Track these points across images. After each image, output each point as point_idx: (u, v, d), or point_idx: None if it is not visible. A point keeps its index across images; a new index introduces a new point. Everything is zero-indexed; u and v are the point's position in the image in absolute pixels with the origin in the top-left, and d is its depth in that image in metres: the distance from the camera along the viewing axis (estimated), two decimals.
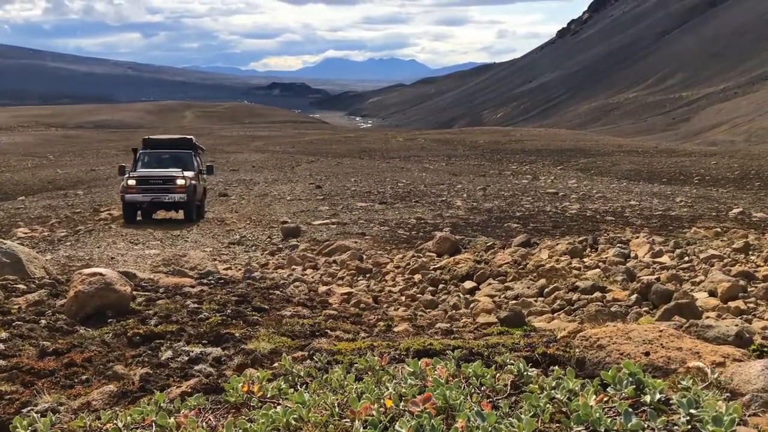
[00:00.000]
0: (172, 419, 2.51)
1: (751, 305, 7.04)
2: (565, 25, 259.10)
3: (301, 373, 3.03)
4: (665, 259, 9.48)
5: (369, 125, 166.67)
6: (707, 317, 6.50)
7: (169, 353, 4.26)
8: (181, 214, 19.00)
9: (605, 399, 2.42)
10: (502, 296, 8.18)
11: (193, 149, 20.20)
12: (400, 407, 2.41)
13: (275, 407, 2.53)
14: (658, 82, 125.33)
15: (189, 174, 18.32)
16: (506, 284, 8.75)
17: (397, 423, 2.25)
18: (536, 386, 2.61)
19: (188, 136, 20.81)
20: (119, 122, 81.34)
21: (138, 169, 18.76)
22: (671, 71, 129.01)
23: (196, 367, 3.98)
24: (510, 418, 2.26)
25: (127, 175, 18.40)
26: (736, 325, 4.57)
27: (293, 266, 11.04)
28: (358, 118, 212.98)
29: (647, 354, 3.20)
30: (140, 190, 17.99)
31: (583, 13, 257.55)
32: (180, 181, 17.95)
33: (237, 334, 4.77)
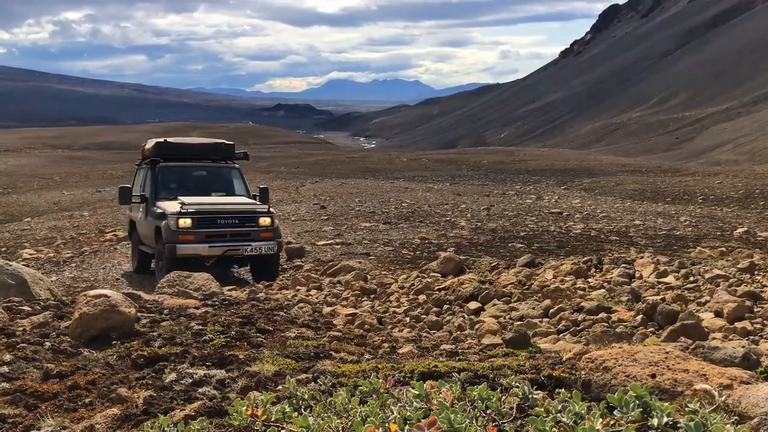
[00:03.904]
0: None
1: (758, 326, 7.00)
2: (567, 46, 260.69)
3: (306, 396, 3.02)
4: (670, 279, 9.45)
5: (373, 146, 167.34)
6: (713, 338, 6.45)
7: (173, 376, 4.24)
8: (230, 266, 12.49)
9: (612, 422, 2.40)
10: (507, 317, 8.15)
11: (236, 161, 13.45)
12: (405, 431, 2.39)
13: (279, 431, 2.52)
14: (661, 102, 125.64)
15: (262, 206, 12.00)
16: (511, 305, 8.71)
17: None
18: (542, 409, 2.59)
19: (228, 142, 13.76)
20: (125, 144, 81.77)
21: (162, 195, 12.04)
22: (674, 91, 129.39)
23: (200, 390, 3.96)
24: None
25: (177, 209, 11.11)
26: (743, 347, 4.54)
27: (297, 287, 11.02)
28: (362, 139, 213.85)
29: (653, 376, 3.18)
30: (204, 237, 11.09)
31: (586, 33, 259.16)
32: (264, 220, 11.57)
33: (241, 356, 4.75)
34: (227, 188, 12.83)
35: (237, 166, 13.38)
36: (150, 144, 13.32)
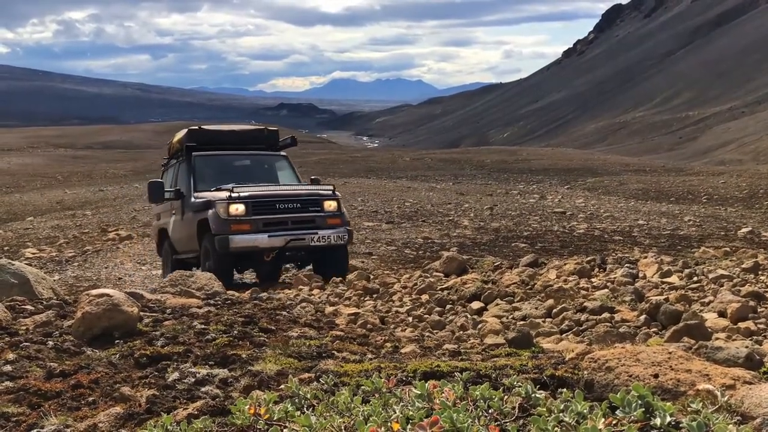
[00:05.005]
0: None
1: (762, 326, 6.97)
2: (570, 46, 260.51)
3: (308, 396, 3.02)
4: (674, 279, 9.41)
5: (376, 145, 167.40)
6: (717, 339, 6.43)
7: (175, 375, 4.25)
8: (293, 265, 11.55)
9: (614, 422, 2.40)
10: (510, 317, 8.14)
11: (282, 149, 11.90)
12: (408, 430, 2.39)
13: (282, 430, 2.52)
14: (665, 102, 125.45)
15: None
16: (514, 305, 8.70)
17: None
18: (544, 409, 2.59)
19: (270, 128, 12.23)
20: (127, 143, 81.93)
21: (201, 188, 10.47)
22: (677, 91, 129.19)
23: (203, 389, 3.96)
24: None
25: (227, 195, 9.59)
26: (747, 347, 4.53)
27: (300, 286, 11.01)
28: (365, 138, 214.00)
29: (656, 376, 3.17)
30: (261, 226, 9.65)
31: (589, 33, 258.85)
32: (330, 204, 10.15)
33: (244, 356, 4.76)
34: (274, 180, 11.25)
35: (284, 154, 11.83)
36: (181, 134, 11.66)
